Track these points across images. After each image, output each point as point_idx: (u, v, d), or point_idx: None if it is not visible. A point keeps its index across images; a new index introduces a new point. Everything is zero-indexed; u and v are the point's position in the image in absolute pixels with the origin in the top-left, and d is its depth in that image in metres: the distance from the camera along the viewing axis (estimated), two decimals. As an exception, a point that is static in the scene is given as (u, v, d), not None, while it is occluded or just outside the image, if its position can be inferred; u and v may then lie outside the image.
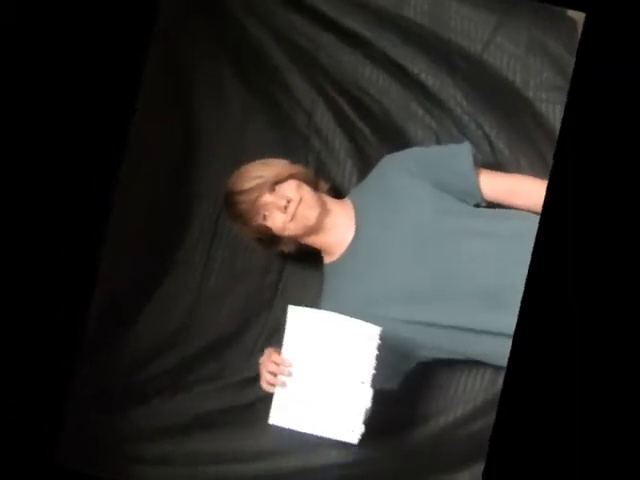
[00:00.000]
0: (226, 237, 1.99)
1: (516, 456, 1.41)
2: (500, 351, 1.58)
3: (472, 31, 1.90)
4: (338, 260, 1.83)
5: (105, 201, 1.67)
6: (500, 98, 1.90)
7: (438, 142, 1.92)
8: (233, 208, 1.81)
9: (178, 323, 1.98)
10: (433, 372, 1.92)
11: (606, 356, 1.34)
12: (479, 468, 1.78)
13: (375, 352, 1.59)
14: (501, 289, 1.69)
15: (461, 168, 1.79)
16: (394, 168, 1.84)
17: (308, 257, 1.91)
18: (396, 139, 1.94)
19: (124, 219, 1.79)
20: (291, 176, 1.80)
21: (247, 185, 1.77)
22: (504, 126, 1.90)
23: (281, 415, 1.61)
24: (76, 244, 1.56)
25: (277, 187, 1.78)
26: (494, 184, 1.80)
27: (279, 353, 1.62)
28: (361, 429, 1.59)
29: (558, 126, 1.70)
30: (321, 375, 1.60)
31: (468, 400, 1.91)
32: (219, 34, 1.99)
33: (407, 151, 1.88)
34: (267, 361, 1.63)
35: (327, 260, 1.86)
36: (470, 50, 1.90)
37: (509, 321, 1.46)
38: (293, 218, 1.76)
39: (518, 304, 1.41)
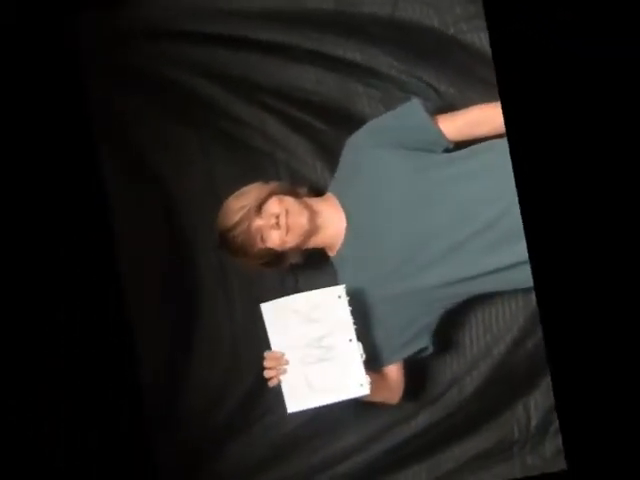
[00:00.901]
0: (234, 268, 2.05)
1: (574, 359, 1.47)
2: (521, 277, 1.65)
3: (376, -3, 1.96)
4: (341, 250, 1.89)
5: (114, 281, 1.73)
6: (427, 46, 1.96)
7: (388, 109, 1.97)
8: (230, 245, 1.85)
9: (226, 361, 2.07)
10: (467, 315, 2.01)
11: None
12: (547, 381, 1.86)
13: (348, 308, 1.69)
14: (501, 219, 1.74)
15: (418, 122, 1.85)
16: (358, 147, 1.90)
17: (314, 257, 1.97)
18: (349, 122, 1.99)
19: (137, 288, 1.88)
20: (270, 194, 1.84)
21: (234, 219, 1.82)
22: (441, 69, 1.97)
23: (295, 401, 1.70)
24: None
25: (262, 209, 1.82)
26: (454, 124, 1.86)
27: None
28: (368, 379, 1.68)
29: (489, 49, 1.76)
30: (313, 351, 1.69)
31: (511, 325, 1.99)
32: (154, 98, 2.06)
33: (364, 127, 1.92)
34: (264, 361, 1.73)
35: (332, 254, 1.92)
36: (382, 15, 1.96)
37: (520, 249, 1.51)
38: (288, 230, 1.80)
39: (521, 227, 1.47)
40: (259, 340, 1.77)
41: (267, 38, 2.01)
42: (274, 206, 1.82)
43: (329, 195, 1.93)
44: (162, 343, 2.06)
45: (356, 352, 1.69)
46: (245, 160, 2.07)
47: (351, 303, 1.71)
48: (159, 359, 2.05)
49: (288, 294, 1.87)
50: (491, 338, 2.00)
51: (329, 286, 1.73)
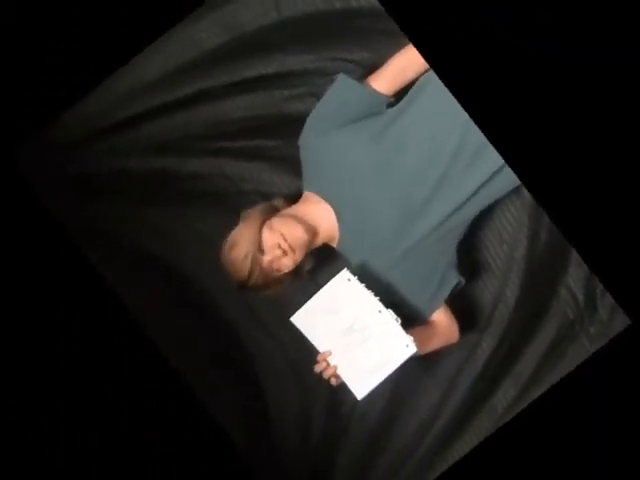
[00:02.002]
0: (257, 300, 2.10)
1: (586, 223, 1.55)
2: (506, 180, 1.79)
3: (258, 7, 2.03)
4: (341, 239, 1.97)
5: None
6: (324, 28, 2.04)
7: (320, 97, 2.02)
8: (255, 290, 1.94)
9: (295, 385, 2.14)
10: (478, 237, 2.11)
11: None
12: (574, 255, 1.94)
13: (362, 285, 1.80)
14: (465, 139, 1.82)
15: (352, 93, 1.93)
16: (310, 144, 1.98)
17: (323, 255, 2.05)
18: (293, 126, 2.05)
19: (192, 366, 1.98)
20: (259, 228, 1.90)
21: (246, 270, 1.88)
22: (347, 41, 2.05)
23: (360, 387, 1.80)
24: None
25: (262, 246, 1.89)
26: (383, 79, 1.94)
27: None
28: (410, 338, 1.77)
29: (377, 3, 1.84)
30: (351, 337, 1.79)
31: (520, 226, 2.09)
32: (117, 191, 2.13)
33: (306, 124, 2.00)
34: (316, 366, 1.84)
35: (335, 245, 2.00)
36: (271, 22, 2.03)
37: (493, 156, 1.62)
38: (293, 249, 1.88)
39: (484, 137, 1.57)
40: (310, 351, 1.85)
41: (186, 92, 2.07)
42: (270, 238, 1.88)
43: (307, 194, 1.99)
44: (234, 402, 2.13)
45: (389, 319, 1.78)
46: (219, 206, 2.14)
47: (365, 279, 1.81)
48: (237, 418, 2.12)
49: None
50: (507, 247, 2.08)
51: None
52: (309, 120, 1.99)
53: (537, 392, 2.03)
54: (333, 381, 1.82)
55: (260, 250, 1.88)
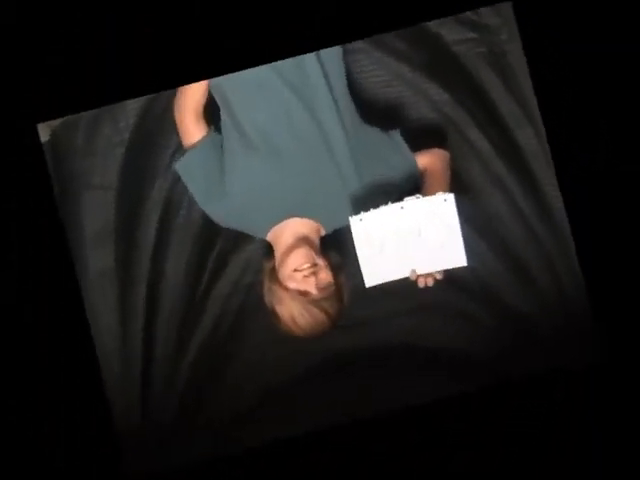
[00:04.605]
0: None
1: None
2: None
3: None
4: (321, 220, 1.94)
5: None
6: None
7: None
8: (340, 316, 1.87)
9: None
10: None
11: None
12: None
13: (371, 212, 1.71)
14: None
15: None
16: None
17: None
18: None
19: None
20: (284, 290, 1.85)
21: (306, 329, 1.84)
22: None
23: (458, 258, 1.71)
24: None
25: (302, 291, 1.83)
26: None
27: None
28: (441, 194, 1.70)
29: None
30: (408, 240, 1.71)
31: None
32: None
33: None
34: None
35: (323, 230, 1.97)
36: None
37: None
38: (313, 262, 1.83)
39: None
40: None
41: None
42: (293, 280, 1.83)
43: (271, 231, 1.94)
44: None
45: (413, 203, 1.70)
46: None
47: (365, 207, 1.73)
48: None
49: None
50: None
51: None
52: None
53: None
54: (438, 277, 1.74)
55: (304, 295, 1.82)
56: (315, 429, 1.74)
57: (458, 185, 2.02)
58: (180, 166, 1.93)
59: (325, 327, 1.84)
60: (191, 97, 1.89)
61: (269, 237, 1.95)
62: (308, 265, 1.82)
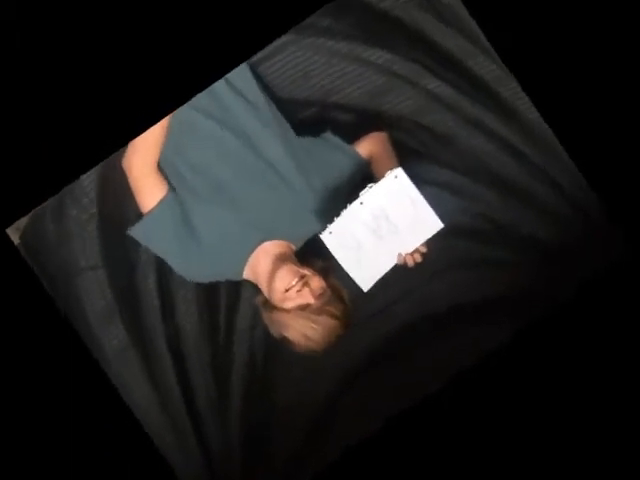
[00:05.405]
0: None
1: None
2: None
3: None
4: (290, 236, 1.92)
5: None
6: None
7: None
8: (351, 320, 1.85)
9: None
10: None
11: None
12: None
13: (335, 222, 1.70)
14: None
15: None
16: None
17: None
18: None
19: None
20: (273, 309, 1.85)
21: (321, 340, 1.81)
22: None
23: (432, 224, 1.72)
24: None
25: (301, 305, 1.81)
26: None
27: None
28: (391, 171, 1.70)
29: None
30: (379, 233, 1.72)
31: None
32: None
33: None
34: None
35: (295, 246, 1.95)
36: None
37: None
38: (300, 273, 1.80)
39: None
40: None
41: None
42: (283, 297, 1.81)
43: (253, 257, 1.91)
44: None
45: (369, 193, 1.70)
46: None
47: (328, 219, 1.72)
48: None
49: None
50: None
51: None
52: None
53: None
54: (423, 250, 1.75)
55: (305, 308, 1.79)
56: (394, 414, 1.68)
57: (436, 139, 2.02)
58: (136, 232, 1.85)
59: (339, 331, 1.81)
60: (145, 151, 1.79)
61: (247, 274, 1.91)
62: (296, 280, 1.78)
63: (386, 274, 1.78)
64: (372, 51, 2.02)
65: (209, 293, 2.04)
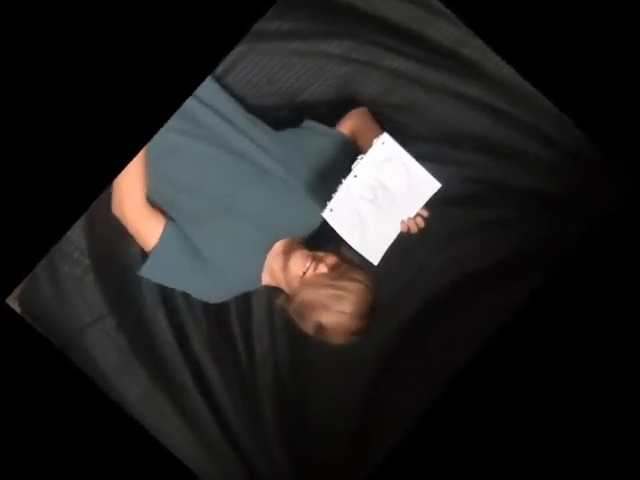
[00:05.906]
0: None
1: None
2: None
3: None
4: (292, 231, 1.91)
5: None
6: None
7: None
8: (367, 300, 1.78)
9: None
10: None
11: None
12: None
13: (326, 210, 1.70)
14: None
15: None
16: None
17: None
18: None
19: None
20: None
21: (353, 308, 1.75)
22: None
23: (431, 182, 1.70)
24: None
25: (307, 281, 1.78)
26: None
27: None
28: (378, 138, 1.68)
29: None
30: (375, 204, 1.71)
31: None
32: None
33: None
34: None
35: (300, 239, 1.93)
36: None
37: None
38: (313, 256, 1.79)
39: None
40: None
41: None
42: (297, 278, 1.79)
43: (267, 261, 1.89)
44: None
45: (359, 167, 1.69)
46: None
47: (321, 200, 1.72)
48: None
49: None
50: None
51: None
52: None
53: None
54: (424, 214, 1.73)
55: (324, 276, 1.76)
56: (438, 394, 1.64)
57: (409, 114, 2.02)
58: (146, 271, 1.82)
59: (367, 296, 1.75)
60: (130, 191, 1.75)
61: (265, 280, 1.89)
62: (310, 261, 1.77)
63: (396, 253, 1.75)
64: (328, 43, 2.01)
65: (222, 319, 2.00)
